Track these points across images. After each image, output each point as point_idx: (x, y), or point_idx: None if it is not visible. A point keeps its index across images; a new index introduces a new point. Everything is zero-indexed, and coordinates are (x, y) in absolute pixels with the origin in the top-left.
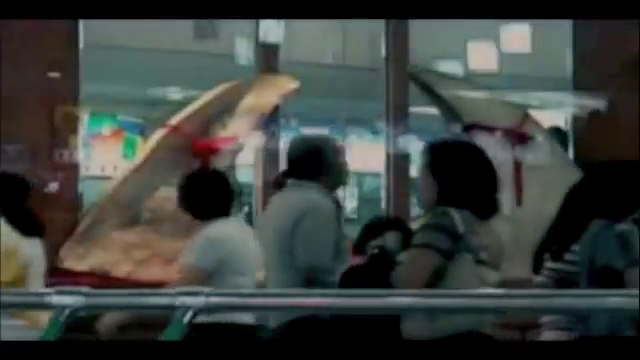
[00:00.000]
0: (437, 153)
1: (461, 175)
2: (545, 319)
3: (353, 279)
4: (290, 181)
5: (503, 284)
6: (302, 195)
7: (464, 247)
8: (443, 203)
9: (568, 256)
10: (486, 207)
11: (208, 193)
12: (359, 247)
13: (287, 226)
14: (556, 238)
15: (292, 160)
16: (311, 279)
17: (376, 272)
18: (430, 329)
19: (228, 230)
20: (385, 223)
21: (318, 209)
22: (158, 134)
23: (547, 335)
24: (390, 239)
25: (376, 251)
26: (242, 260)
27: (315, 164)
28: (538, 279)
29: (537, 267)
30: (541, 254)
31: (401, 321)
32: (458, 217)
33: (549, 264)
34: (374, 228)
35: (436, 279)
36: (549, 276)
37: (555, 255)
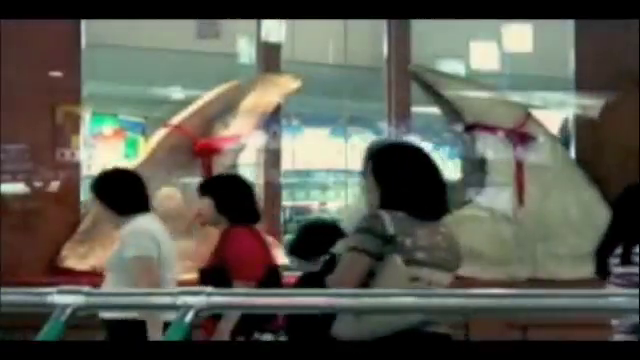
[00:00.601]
0: (379, 156)
1: (401, 178)
2: (614, 322)
3: (309, 285)
4: None
5: (503, 284)
6: None
7: (395, 249)
8: (384, 205)
9: (636, 259)
10: (428, 209)
11: (128, 189)
12: (298, 249)
13: None
14: (621, 240)
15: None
16: None
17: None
18: (360, 329)
19: (152, 224)
20: (325, 227)
21: None
22: (160, 134)
23: (617, 338)
24: (340, 244)
25: (328, 257)
26: (168, 255)
27: None
28: (608, 286)
29: (602, 272)
30: (605, 258)
31: (333, 322)
32: (389, 219)
33: (619, 269)
34: (314, 231)
35: (368, 280)
36: (620, 282)
37: (624, 259)
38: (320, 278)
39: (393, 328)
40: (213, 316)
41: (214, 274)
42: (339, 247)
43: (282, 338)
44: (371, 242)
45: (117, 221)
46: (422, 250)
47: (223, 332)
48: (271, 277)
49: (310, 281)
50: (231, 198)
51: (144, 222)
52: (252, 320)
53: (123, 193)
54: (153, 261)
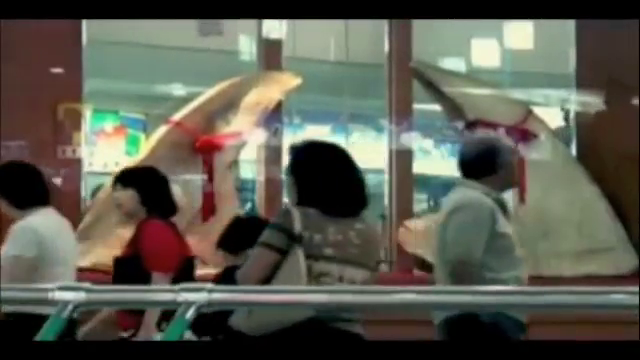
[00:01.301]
0: (296, 155)
1: (314, 175)
2: None
3: (229, 279)
4: (459, 180)
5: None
6: (462, 192)
7: (301, 244)
8: (300, 202)
9: None
10: (341, 206)
11: (24, 183)
12: (225, 243)
13: (442, 222)
14: None
15: (463, 160)
16: (459, 273)
17: None
18: (252, 322)
19: (45, 220)
20: (253, 221)
21: (471, 205)
22: (161, 130)
23: None
24: None
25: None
26: (59, 249)
27: (485, 164)
28: None
29: None
30: None
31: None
32: (299, 216)
33: None
34: (241, 225)
35: (274, 274)
36: None
37: None
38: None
39: (283, 321)
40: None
41: (129, 264)
42: None
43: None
44: (277, 237)
45: (17, 215)
46: (332, 246)
47: (149, 324)
48: (186, 268)
49: (232, 275)
50: (154, 190)
51: (35, 218)
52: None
53: (20, 187)
54: (27, 261)
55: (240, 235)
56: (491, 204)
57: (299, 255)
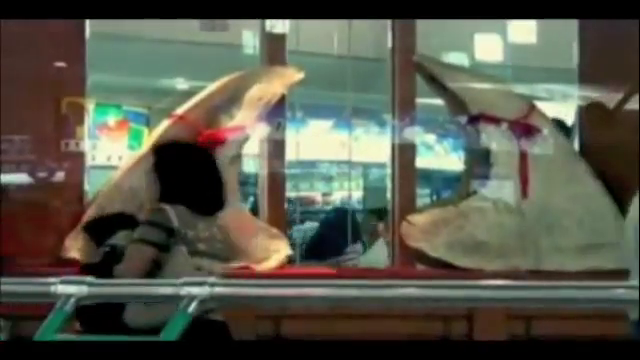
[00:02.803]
0: (160, 154)
1: (179, 175)
2: None
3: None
4: None
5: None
6: None
7: (179, 240)
8: (164, 200)
9: None
10: (206, 204)
11: None
12: (94, 228)
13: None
14: None
15: None
16: None
17: (108, 269)
18: (150, 317)
19: None
20: (110, 218)
21: None
22: (163, 124)
23: None
24: (121, 236)
25: (108, 249)
26: None
27: None
28: None
29: None
30: None
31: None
32: (173, 213)
33: None
34: (105, 224)
35: (154, 270)
36: None
37: None
38: (99, 269)
39: (161, 319)
40: None
41: None
42: (119, 238)
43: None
44: (156, 234)
45: None
46: (202, 242)
47: None
48: None
49: (89, 272)
50: None
51: None
52: None
53: None
54: None
55: (108, 224)
56: None
57: (183, 251)
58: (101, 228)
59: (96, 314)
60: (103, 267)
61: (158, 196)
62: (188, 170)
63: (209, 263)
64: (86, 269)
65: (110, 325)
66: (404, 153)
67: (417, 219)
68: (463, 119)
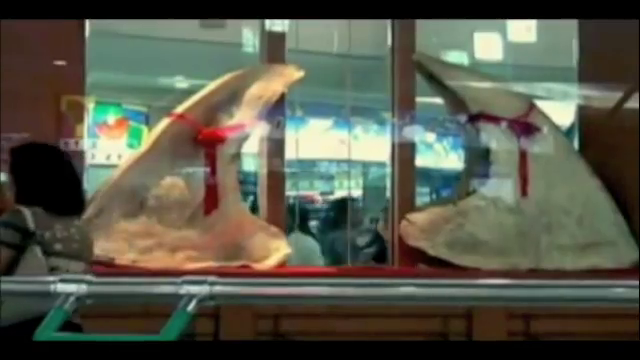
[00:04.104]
0: (16, 155)
1: (34, 176)
2: None
3: None
4: None
5: (506, 274)
6: None
7: (35, 241)
8: (20, 201)
9: None
10: (62, 205)
11: None
12: None
13: None
14: None
15: None
16: None
17: None
18: (23, 312)
19: None
20: None
21: None
22: (163, 123)
23: None
24: None
25: None
26: None
27: None
28: None
29: None
30: None
31: None
32: (30, 214)
33: None
34: None
35: (10, 269)
36: None
37: None
38: None
39: (34, 313)
40: None
41: None
42: None
43: None
44: (11, 235)
45: None
46: (59, 242)
47: None
48: None
49: None
50: None
51: None
52: None
53: None
54: None
55: None
56: None
57: (37, 251)
58: None
59: None
60: None
61: (15, 197)
62: (43, 171)
63: (65, 263)
64: None
65: None
66: (404, 152)
67: (417, 218)
68: (463, 118)
